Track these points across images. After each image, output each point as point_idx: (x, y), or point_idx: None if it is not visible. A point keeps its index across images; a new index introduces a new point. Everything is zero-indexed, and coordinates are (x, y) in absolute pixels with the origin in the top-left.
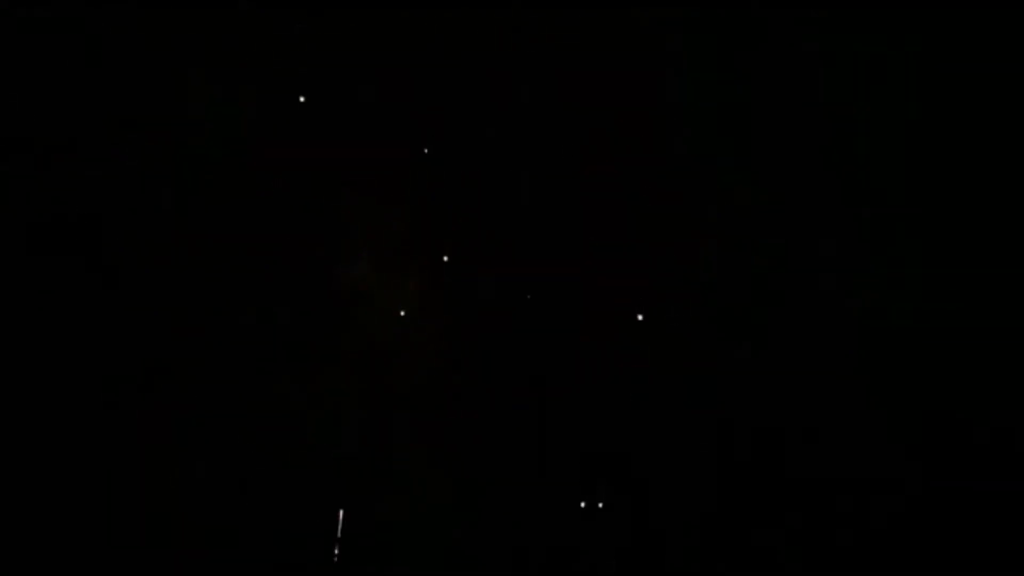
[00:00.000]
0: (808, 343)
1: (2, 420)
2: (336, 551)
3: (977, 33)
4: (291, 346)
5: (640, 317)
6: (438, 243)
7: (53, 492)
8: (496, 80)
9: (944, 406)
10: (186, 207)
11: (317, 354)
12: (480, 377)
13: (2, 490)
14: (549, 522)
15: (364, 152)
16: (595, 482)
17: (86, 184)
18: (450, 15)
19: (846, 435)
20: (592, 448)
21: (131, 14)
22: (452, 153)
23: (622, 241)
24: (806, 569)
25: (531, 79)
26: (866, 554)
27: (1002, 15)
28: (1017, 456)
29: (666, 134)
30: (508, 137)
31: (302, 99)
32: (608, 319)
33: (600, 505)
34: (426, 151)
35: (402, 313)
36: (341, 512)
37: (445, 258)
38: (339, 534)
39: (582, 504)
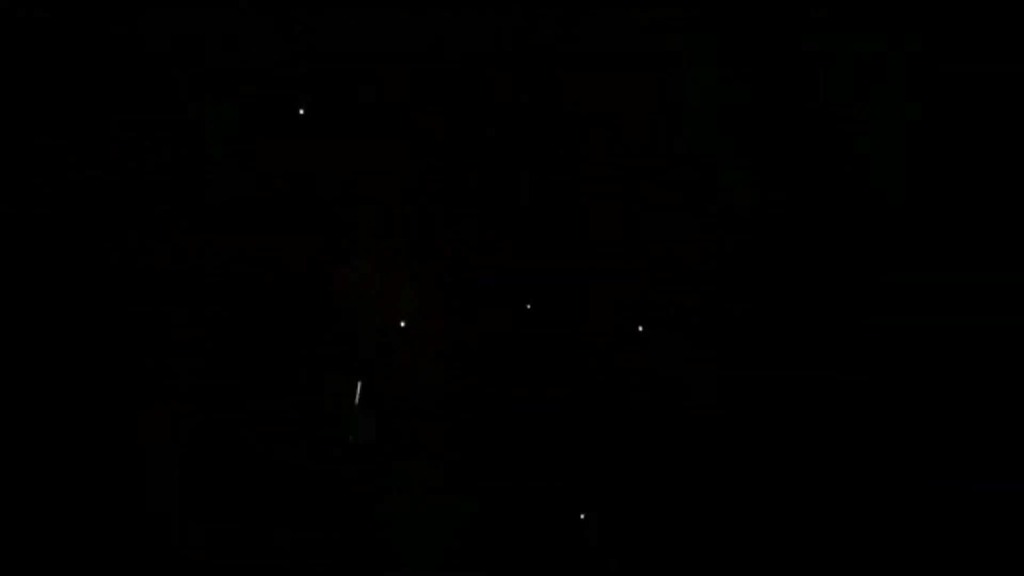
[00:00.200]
0: (808, 343)
1: (2, 420)
2: (336, 551)
3: (977, 33)
4: (291, 346)
5: (640, 328)
6: (438, 243)
7: (53, 492)
8: (496, 80)
9: (944, 406)
10: (186, 207)
11: (317, 354)
12: (480, 377)
13: (2, 490)
14: (549, 522)
15: (364, 152)
16: (595, 482)
17: (86, 184)
18: (450, 15)
19: (846, 435)
20: (592, 448)
21: (131, 14)
22: (452, 153)
23: (622, 241)
24: (806, 569)
25: (531, 79)
26: (866, 554)
27: (1002, 15)
28: (1017, 456)
29: (666, 134)
30: (508, 137)
31: (302, 112)
32: (608, 319)
33: (600, 506)
34: (426, 151)
35: (402, 324)
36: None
37: (444, 259)
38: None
39: (582, 503)
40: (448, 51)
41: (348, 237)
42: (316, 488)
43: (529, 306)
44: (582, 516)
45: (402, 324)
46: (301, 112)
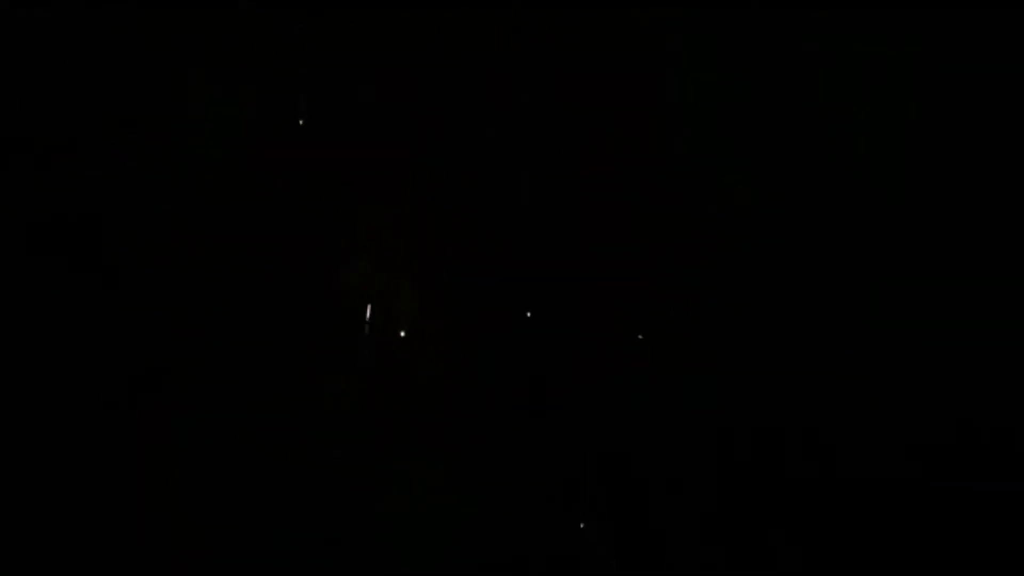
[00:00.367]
0: (808, 343)
1: (2, 420)
2: (336, 551)
3: (977, 33)
4: (291, 346)
5: (640, 336)
6: (438, 243)
7: (53, 492)
8: (496, 80)
9: (944, 406)
10: (186, 207)
11: (317, 354)
12: (480, 377)
13: (2, 490)
14: (549, 523)
15: (364, 152)
16: (595, 483)
17: (86, 184)
18: (450, 15)
19: (846, 435)
20: (592, 448)
21: (131, 14)
22: (452, 153)
23: (622, 241)
24: (806, 569)
25: (531, 79)
26: (866, 554)
27: (1002, 15)
28: (1017, 456)
29: (666, 134)
30: (508, 137)
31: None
32: (608, 319)
33: (600, 506)
34: (426, 151)
35: (402, 334)
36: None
37: (444, 259)
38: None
39: (582, 503)
40: (448, 51)
41: (348, 237)
42: (316, 488)
43: (529, 314)
44: (582, 525)
45: (402, 334)
46: (301, 123)
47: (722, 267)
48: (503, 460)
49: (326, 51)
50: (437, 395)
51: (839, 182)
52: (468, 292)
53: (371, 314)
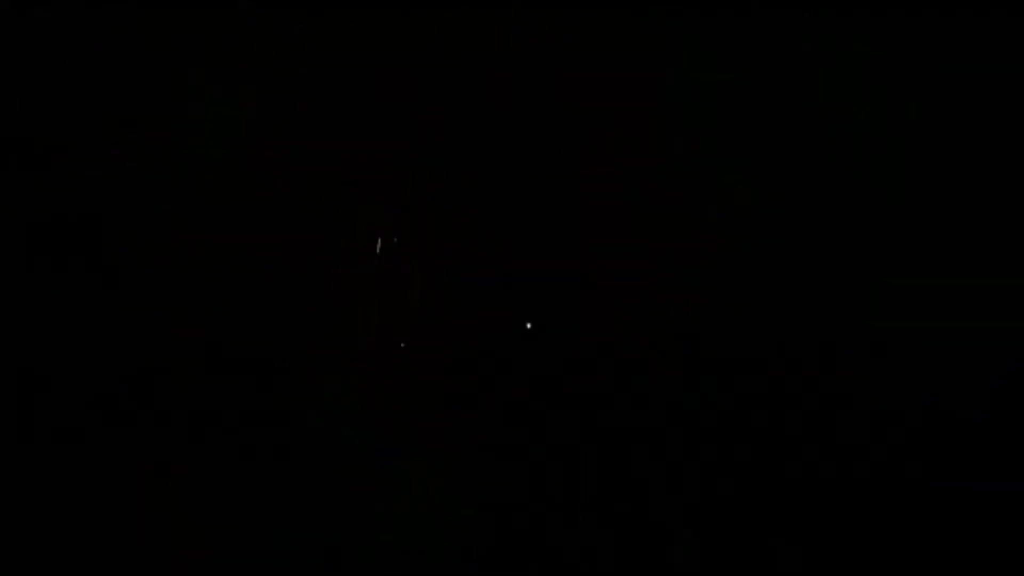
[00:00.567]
0: (808, 343)
1: (2, 420)
2: (336, 551)
3: (977, 33)
4: (291, 346)
5: (639, 337)
6: (438, 243)
7: (53, 492)
8: (496, 80)
9: (944, 406)
10: (186, 207)
11: (317, 354)
12: (479, 377)
13: (2, 490)
14: (549, 522)
15: (364, 152)
16: (594, 482)
17: (86, 184)
18: (450, 15)
19: (846, 435)
20: (592, 448)
21: (131, 14)
22: (452, 153)
23: (622, 241)
24: (806, 569)
25: (531, 79)
26: (867, 554)
27: (1002, 15)
28: (1017, 456)
29: (666, 134)
30: (508, 137)
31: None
32: (607, 319)
33: (599, 504)
34: (426, 151)
35: (402, 344)
36: None
37: (444, 259)
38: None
39: (582, 503)
40: (448, 51)
41: (348, 237)
42: (316, 488)
43: (529, 325)
44: (581, 522)
45: (402, 345)
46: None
47: (722, 267)
48: (503, 460)
49: (326, 51)
50: (437, 395)
51: (839, 182)
52: (468, 292)
53: (371, 314)
